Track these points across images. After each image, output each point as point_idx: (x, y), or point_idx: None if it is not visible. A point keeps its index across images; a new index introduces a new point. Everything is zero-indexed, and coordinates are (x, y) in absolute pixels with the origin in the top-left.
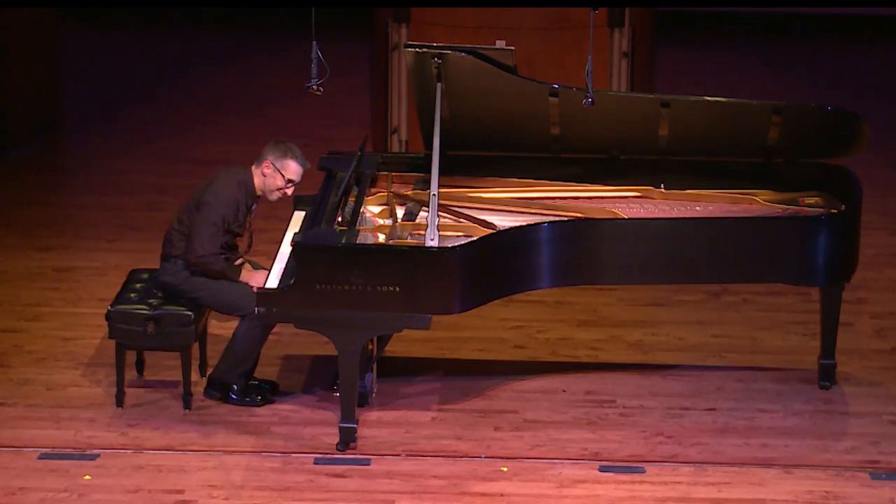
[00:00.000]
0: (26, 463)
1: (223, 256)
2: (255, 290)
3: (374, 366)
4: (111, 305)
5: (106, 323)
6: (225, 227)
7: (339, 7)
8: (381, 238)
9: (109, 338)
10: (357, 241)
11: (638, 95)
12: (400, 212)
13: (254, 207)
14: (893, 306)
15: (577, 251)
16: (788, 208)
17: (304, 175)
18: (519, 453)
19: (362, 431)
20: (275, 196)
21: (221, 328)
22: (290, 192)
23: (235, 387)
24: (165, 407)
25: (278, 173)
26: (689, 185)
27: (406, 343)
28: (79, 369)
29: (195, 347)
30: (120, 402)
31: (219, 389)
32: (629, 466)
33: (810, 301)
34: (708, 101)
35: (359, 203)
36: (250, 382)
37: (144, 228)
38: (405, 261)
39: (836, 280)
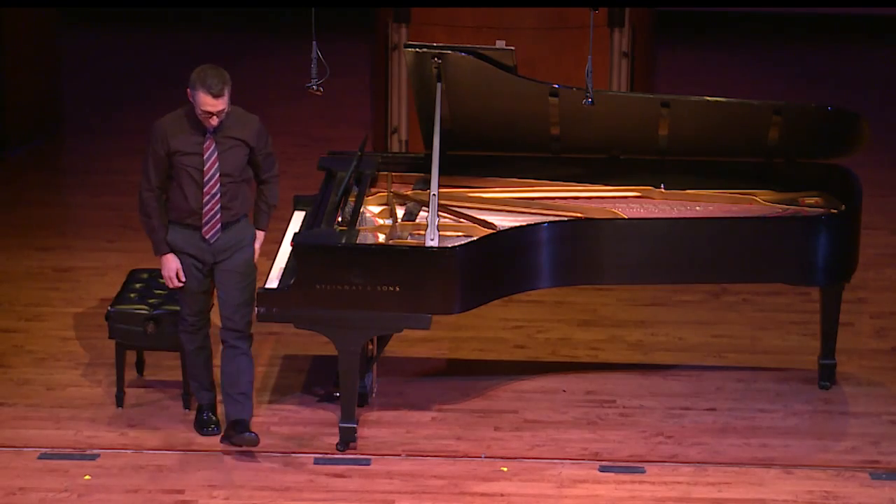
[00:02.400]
0: (26, 463)
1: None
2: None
3: (374, 366)
4: (111, 305)
5: (106, 323)
6: (159, 157)
7: (339, 7)
8: (381, 238)
9: (109, 338)
10: (357, 241)
11: (638, 95)
12: (400, 212)
13: (207, 135)
14: (893, 306)
15: (577, 251)
16: (788, 208)
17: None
18: (519, 453)
19: (362, 431)
20: (208, 127)
21: None
22: (213, 121)
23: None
24: (165, 407)
25: (195, 103)
26: (689, 185)
27: (406, 343)
28: (79, 369)
29: None
30: (120, 402)
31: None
32: (629, 466)
33: (810, 301)
34: (708, 101)
35: (359, 203)
36: (202, 416)
37: None
38: (405, 261)
39: (836, 280)
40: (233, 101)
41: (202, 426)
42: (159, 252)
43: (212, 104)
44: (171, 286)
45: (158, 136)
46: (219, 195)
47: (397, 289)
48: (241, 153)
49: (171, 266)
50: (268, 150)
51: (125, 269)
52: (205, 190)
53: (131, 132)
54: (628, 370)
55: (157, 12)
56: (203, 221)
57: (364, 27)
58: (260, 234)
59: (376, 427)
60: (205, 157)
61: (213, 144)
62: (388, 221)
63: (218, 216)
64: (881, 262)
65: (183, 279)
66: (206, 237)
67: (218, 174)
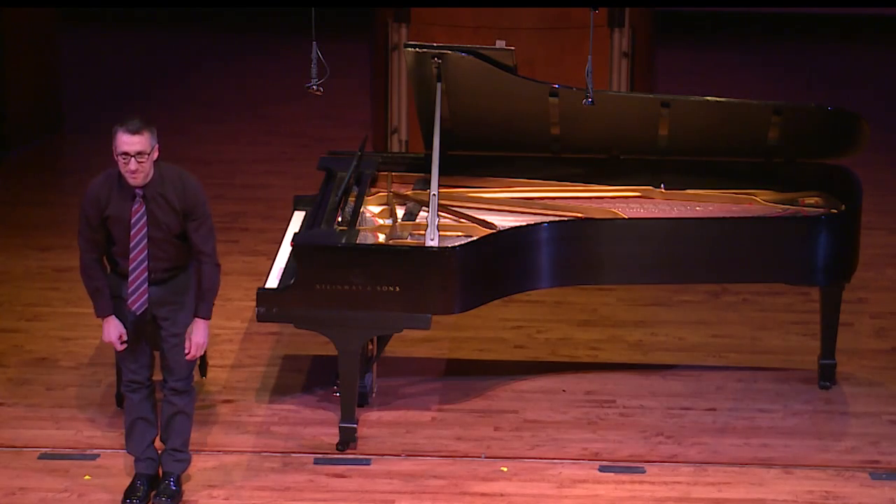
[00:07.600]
0: (26, 463)
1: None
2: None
3: (374, 366)
4: None
5: None
6: (94, 221)
7: (339, 7)
8: (381, 238)
9: None
10: (357, 241)
11: (638, 95)
12: (400, 212)
13: (137, 199)
14: (893, 306)
15: (577, 251)
16: (788, 208)
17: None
18: (519, 453)
19: (362, 431)
20: (130, 180)
21: (222, 328)
22: (131, 166)
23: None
24: None
25: (115, 151)
26: (689, 185)
27: (406, 343)
28: (79, 369)
29: None
30: (120, 402)
31: None
32: (629, 466)
33: (810, 301)
34: (708, 101)
35: (359, 203)
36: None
37: None
38: (405, 261)
39: (836, 280)
40: (232, 100)
41: (126, 495)
42: (102, 314)
43: (128, 142)
44: (118, 348)
45: (91, 200)
46: (145, 263)
47: (397, 289)
48: (172, 216)
49: (113, 331)
50: (202, 219)
51: None
52: (130, 257)
53: None
54: (628, 370)
55: (158, 12)
56: (128, 292)
57: (364, 27)
58: (199, 323)
59: (376, 427)
60: (132, 221)
61: (143, 209)
62: (388, 221)
63: (143, 287)
64: (881, 262)
65: (126, 340)
66: (132, 308)
67: (144, 241)
